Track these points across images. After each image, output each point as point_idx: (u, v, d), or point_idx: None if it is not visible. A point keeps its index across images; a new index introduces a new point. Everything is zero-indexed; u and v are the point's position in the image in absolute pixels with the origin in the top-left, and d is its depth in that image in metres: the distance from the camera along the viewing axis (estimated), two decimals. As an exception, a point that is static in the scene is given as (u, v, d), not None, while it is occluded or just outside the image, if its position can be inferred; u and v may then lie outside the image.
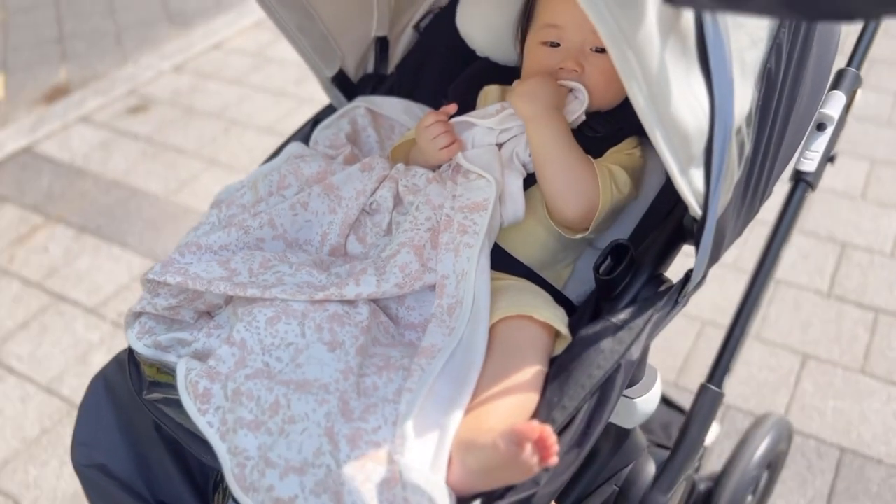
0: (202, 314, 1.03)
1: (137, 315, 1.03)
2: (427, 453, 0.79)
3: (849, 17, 0.51)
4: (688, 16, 0.73)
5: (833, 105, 1.11)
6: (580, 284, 1.10)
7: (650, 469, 1.13)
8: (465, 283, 0.94)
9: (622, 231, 1.09)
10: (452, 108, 1.10)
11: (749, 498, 1.52)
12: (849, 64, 1.17)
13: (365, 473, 0.77)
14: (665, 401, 1.73)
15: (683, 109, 0.76)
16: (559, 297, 1.04)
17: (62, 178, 2.95)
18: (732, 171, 0.85)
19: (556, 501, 0.86)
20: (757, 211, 1.00)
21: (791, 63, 0.91)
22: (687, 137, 0.79)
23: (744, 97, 0.83)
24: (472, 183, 1.04)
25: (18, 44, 4.00)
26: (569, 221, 1.02)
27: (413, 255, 0.98)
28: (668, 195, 1.07)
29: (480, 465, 0.76)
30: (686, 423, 1.10)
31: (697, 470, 1.50)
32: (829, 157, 1.14)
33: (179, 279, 0.96)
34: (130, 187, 2.87)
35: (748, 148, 0.88)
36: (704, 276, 0.96)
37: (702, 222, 0.88)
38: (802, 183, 1.13)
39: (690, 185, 0.84)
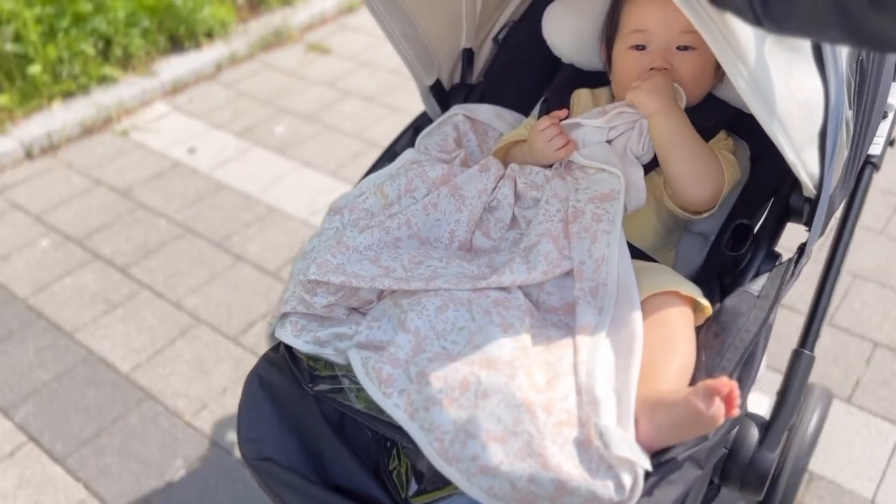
0: (352, 311, 1.10)
1: (284, 315, 1.10)
2: (612, 416, 0.88)
3: None
4: None
5: (893, 95, 1.25)
6: (685, 266, 1.21)
7: (754, 431, 1.24)
8: (605, 266, 1.04)
9: (718, 216, 1.21)
10: (564, 112, 1.20)
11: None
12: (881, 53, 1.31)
13: (564, 437, 0.85)
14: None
15: (787, 98, 0.87)
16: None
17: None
18: (842, 153, 0.98)
19: None
20: (850, 188, 1.12)
21: (875, 56, 1.04)
22: (795, 123, 0.90)
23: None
24: (594, 177, 1.14)
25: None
26: (694, 203, 1.13)
27: (552, 245, 1.07)
28: (763, 181, 1.19)
29: (672, 421, 0.86)
30: (784, 386, 1.22)
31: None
32: (890, 142, 1.27)
33: (343, 278, 1.03)
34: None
35: (851, 131, 1.00)
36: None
37: (816, 200, 1.00)
38: (870, 165, 1.26)
39: (805, 167, 0.96)
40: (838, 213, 1.27)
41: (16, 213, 2.68)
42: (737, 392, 0.82)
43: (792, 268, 1.04)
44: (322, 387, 1.03)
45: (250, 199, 2.71)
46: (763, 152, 1.25)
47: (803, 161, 0.96)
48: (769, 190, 1.16)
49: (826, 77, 0.91)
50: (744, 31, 0.78)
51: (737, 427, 1.25)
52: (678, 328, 0.97)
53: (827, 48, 0.89)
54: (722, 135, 1.22)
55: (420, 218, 1.14)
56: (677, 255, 1.22)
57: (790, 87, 0.87)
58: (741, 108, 1.23)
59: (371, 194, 1.20)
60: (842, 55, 0.93)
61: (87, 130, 3.11)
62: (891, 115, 1.26)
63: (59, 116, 3.09)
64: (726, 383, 0.82)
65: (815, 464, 1.79)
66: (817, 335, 1.23)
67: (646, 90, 1.13)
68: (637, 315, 0.98)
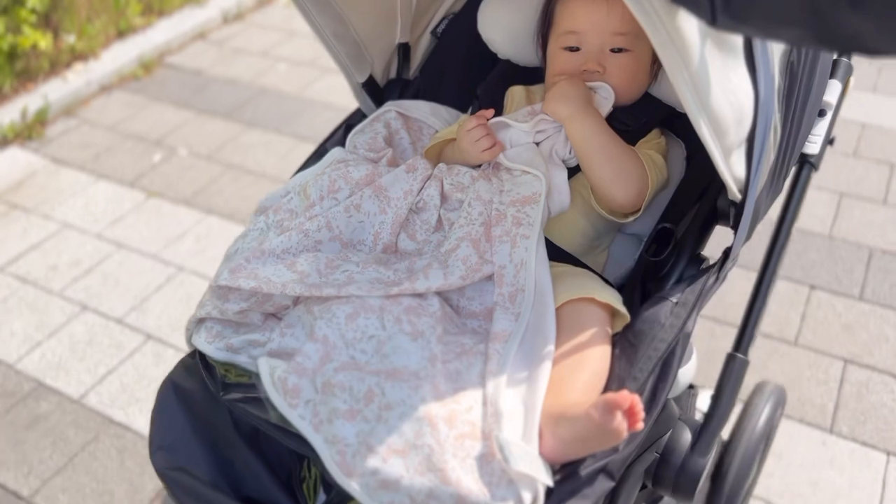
0: (268, 316, 1.08)
1: (201, 321, 1.07)
2: (517, 428, 0.86)
3: (876, 53, 0.57)
4: None
5: (831, 93, 1.22)
6: (616, 268, 1.19)
7: (686, 436, 1.22)
8: (524, 272, 1.01)
9: (651, 217, 1.18)
10: (490, 112, 1.17)
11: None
12: (840, 55, 1.28)
13: (465, 450, 0.83)
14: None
15: (722, 101, 0.84)
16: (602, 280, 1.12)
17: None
18: (769, 157, 0.95)
19: None
20: (780, 191, 1.10)
21: (808, 56, 1.01)
22: (727, 127, 0.87)
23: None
24: (518, 178, 1.11)
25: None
26: (619, 206, 1.10)
27: (472, 249, 1.04)
28: (695, 181, 1.17)
29: (573, 435, 0.83)
30: (717, 390, 1.20)
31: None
32: (829, 140, 1.25)
33: (253, 283, 1.00)
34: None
35: (779, 134, 0.97)
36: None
37: (741, 204, 0.97)
38: (807, 164, 1.23)
39: (731, 171, 0.93)
40: (776, 215, 1.25)
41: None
42: (639, 406, 0.80)
43: (715, 273, 1.02)
44: (234, 395, 1.01)
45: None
46: (698, 151, 1.23)
47: (730, 165, 0.94)
48: (699, 190, 1.13)
49: (756, 79, 0.88)
50: (690, 31, 0.75)
51: (669, 431, 1.23)
52: (592, 336, 0.94)
53: (758, 49, 0.85)
54: (654, 133, 1.19)
55: (342, 220, 1.12)
56: (609, 256, 1.20)
57: (725, 90, 0.84)
58: (676, 106, 1.21)
59: (295, 194, 1.17)
60: (774, 57, 0.90)
61: None
62: (829, 114, 1.23)
63: None
64: (626, 397, 0.79)
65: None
66: (752, 339, 1.21)
67: (553, 97, 1.12)
68: (551, 322, 0.96)
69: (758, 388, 1.69)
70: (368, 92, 1.34)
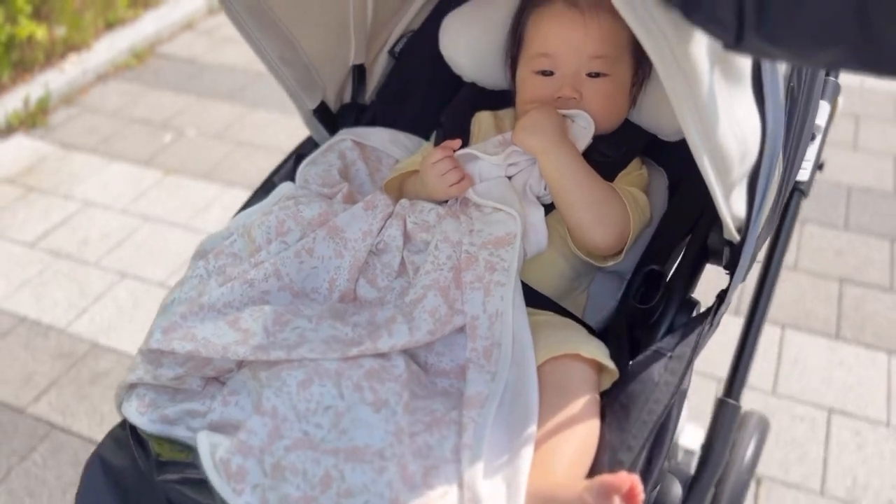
0: (209, 380, 0.94)
1: (132, 386, 0.94)
2: None
3: None
4: None
5: (821, 115, 1.14)
6: (597, 310, 1.08)
7: (676, 489, 1.12)
8: (500, 324, 0.90)
9: (633, 253, 1.08)
10: (456, 143, 1.06)
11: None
12: (827, 74, 1.20)
13: None
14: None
15: (728, 134, 0.75)
16: (582, 327, 1.01)
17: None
18: (772, 192, 0.86)
19: None
20: (776, 226, 1.01)
21: (805, 79, 0.92)
22: (732, 163, 0.78)
23: None
24: (489, 217, 1.00)
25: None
26: (598, 249, 1.00)
27: (440, 298, 0.93)
28: (680, 214, 1.07)
29: None
30: (708, 438, 1.10)
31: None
32: (818, 165, 1.17)
33: (189, 346, 0.87)
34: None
35: (781, 166, 0.88)
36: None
37: (740, 244, 0.87)
38: (797, 192, 1.15)
39: (731, 210, 0.84)
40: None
41: None
42: (639, 487, 0.69)
43: (711, 319, 0.92)
44: (170, 476, 0.87)
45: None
46: (682, 180, 1.13)
47: (730, 203, 0.84)
48: (687, 225, 1.03)
49: (765, 110, 0.78)
50: (700, 57, 0.65)
51: (658, 486, 1.13)
52: (579, 399, 0.84)
53: (767, 76, 0.75)
54: (635, 164, 1.10)
55: (292, 267, 0.99)
56: (589, 297, 1.09)
57: (731, 122, 0.74)
58: (658, 133, 1.11)
59: (239, 236, 1.05)
60: (780, 84, 0.80)
61: None
62: (818, 137, 1.15)
63: None
64: (625, 479, 0.69)
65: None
66: (743, 384, 1.11)
67: (524, 128, 1.01)
68: (533, 383, 0.85)
69: (742, 422, 1.61)
70: (321, 119, 1.21)
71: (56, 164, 2.83)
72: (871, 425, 1.86)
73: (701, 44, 0.65)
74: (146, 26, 3.74)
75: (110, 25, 3.67)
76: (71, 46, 3.43)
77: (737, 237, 0.86)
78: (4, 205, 2.61)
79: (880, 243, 2.40)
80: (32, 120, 3.05)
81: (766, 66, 0.71)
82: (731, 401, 1.11)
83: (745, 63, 0.71)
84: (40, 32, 3.22)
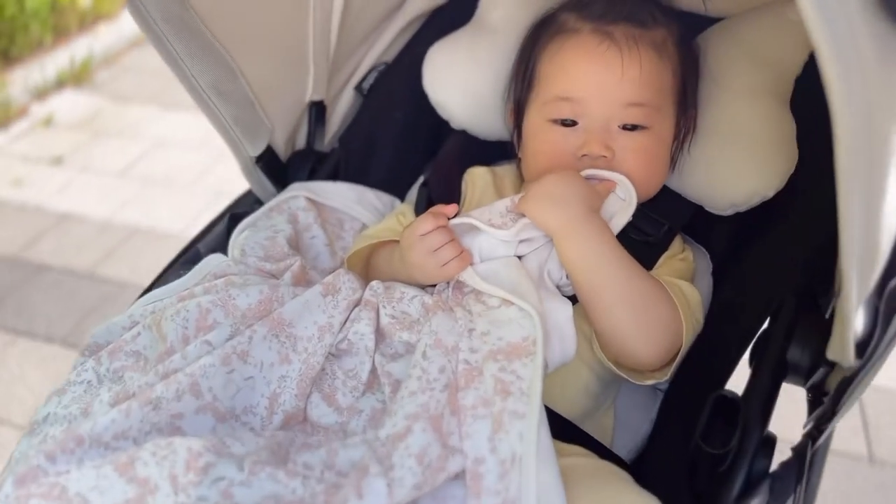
0: None
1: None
2: None
3: None
4: None
5: None
6: (629, 437, 0.82)
7: None
8: (517, 475, 0.63)
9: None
10: (452, 209, 0.79)
11: None
12: None
13: None
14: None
15: (891, 221, 0.51)
16: (614, 461, 0.75)
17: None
18: None
19: None
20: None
21: None
22: (877, 261, 0.54)
23: None
24: (496, 312, 0.73)
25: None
26: (640, 365, 0.75)
27: (432, 434, 0.65)
28: (731, 308, 0.83)
29: None
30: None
31: None
32: None
33: None
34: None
35: None
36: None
37: (855, 374, 0.63)
38: None
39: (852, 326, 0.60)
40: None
41: None
42: None
43: (802, 467, 0.67)
44: None
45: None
46: (725, 262, 0.90)
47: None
48: (746, 329, 0.78)
49: None
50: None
51: None
52: None
53: None
54: (677, 244, 0.85)
55: (218, 378, 0.70)
56: (616, 418, 0.83)
57: (892, 206, 0.51)
58: (704, 204, 0.87)
59: (145, 328, 0.76)
60: None
61: None
62: None
63: None
64: None
65: None
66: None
67: (536, 197, 0.77)
68: None
69: None
70: (265, 170, 0.93)
71: (115, 113, 3.00)
72: None
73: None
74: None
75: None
76: (100, 15, 3.64)
77: (851, 359, 0.62)
78: (77, 148, 2.76)
79: None
80: (78, 78, 3.26)
81: None
82: None
83: None
84: (81, -1, 3.42)
